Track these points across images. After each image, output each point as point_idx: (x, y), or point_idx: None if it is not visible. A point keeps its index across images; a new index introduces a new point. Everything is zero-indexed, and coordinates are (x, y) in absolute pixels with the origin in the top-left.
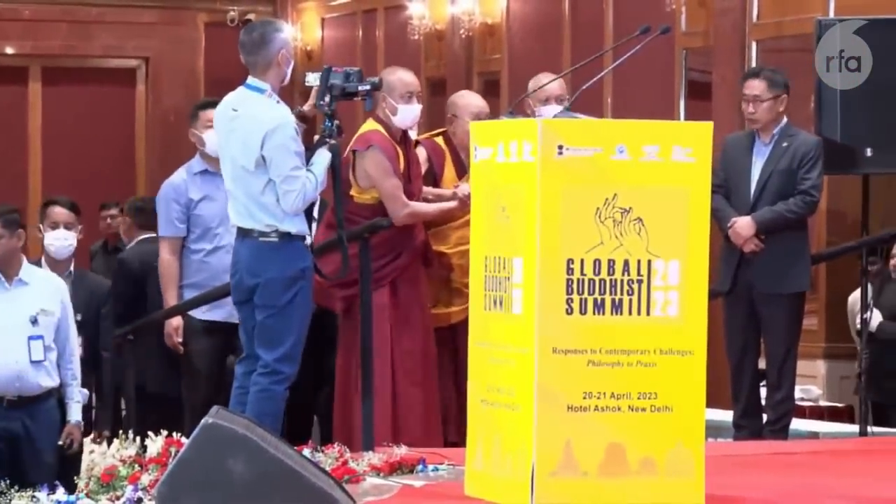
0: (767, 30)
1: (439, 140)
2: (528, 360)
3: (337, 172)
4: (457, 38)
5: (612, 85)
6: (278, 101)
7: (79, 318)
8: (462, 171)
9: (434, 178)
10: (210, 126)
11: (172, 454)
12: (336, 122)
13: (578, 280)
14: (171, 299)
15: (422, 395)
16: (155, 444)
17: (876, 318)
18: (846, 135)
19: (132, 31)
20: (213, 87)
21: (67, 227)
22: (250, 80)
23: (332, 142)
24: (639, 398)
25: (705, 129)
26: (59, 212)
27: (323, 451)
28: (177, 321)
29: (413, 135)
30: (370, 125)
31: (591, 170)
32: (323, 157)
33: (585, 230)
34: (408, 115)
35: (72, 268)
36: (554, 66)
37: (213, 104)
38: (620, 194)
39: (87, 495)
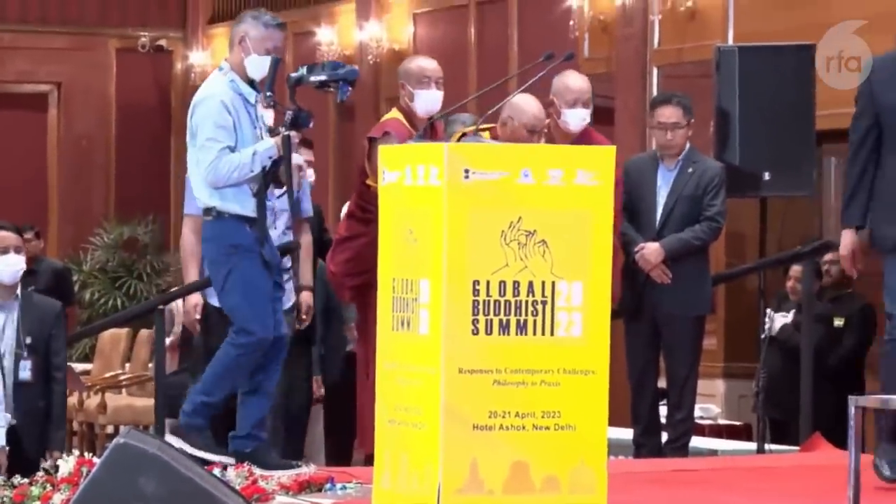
0: (668, 56)
1: (485, 135)
2: (435, 379)
3: (289, 164)
4: (365, 63)
5: None
6: (232, 81)
7: (28, 340)
8: None
9: None
10: None
11: (84, 473)
12: (290, 112)
13: (484, 301)
14: (190, 277)
15: None
16: (67, 463)
17: (779, 320)
18: (745, 159)
19: (44, 56)
20: (124, 112)
21: (17, 250)
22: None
23: (285, 133)
24: (543, 417)
25: (608, 153)
26: (5, 236)
27: (233, 470)
28: (196, 298)
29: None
30: (391, 114)
31: (496, 193)
32: (261, 144)
33: (491, 252)
34: (426, 101)
35: (18, 291)
36: (460, 92)
37: None
38: (525, 217)
39: None
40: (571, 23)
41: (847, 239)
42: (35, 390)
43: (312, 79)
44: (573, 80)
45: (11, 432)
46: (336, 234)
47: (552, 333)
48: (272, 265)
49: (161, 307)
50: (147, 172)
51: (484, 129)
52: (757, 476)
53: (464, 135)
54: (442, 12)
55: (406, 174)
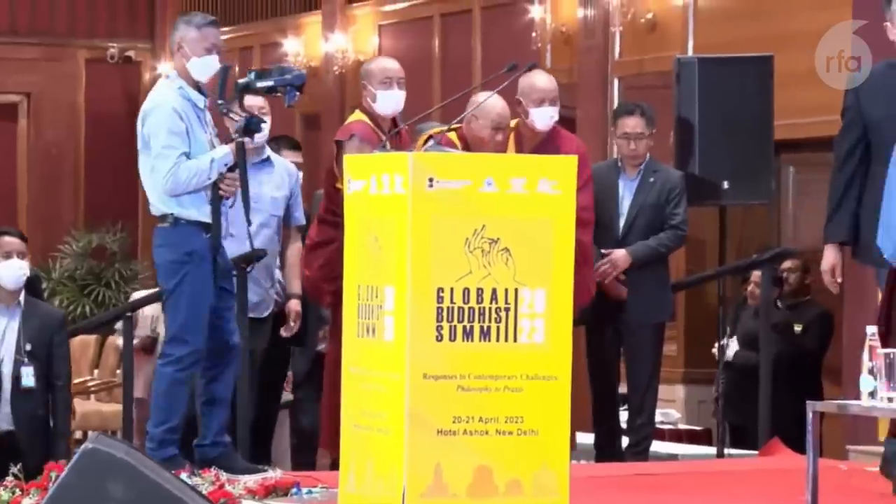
0: (629, 67)
1: (452, 136)
2: (400, 385)
3: (243, 171)
4: (331, 74)
5: None
6: (180, 87)
7: (28, 347)
8: None
9: None
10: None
11: (53, 478)
12: (239, 118)
13: (448, 308)
14: None
15: None
16: None
17: (732, 346)
18: (704, 168)
19: (14, 66)
20: (93, 122)
21: (20, 255)
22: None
23: (239, 139)
24: (506, 422)
25: (570, 162)
26: (10, 241)
27: (200, 475)
28: None
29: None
30: (355, 116)
31: (460, 202)
32: (217, 151)
33: (455, 260)
34: (388, 101)
35: (21, 297)
36: (424, 102)
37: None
38: (488, 225)
39: None
40: (534, 34)
41: (829, 254)
42: (36, 397)
43: (260, 84)
44: (539, 80)
45: (9, 438)
46: (308, 239)
47: (515, 340)
48: (223, 272)
49: (129, 314)
50: (115, 181)
51: (450, 130)
52: (716, 480)
53: (430, 137)
54: (407, 24)
55: (371, 183)
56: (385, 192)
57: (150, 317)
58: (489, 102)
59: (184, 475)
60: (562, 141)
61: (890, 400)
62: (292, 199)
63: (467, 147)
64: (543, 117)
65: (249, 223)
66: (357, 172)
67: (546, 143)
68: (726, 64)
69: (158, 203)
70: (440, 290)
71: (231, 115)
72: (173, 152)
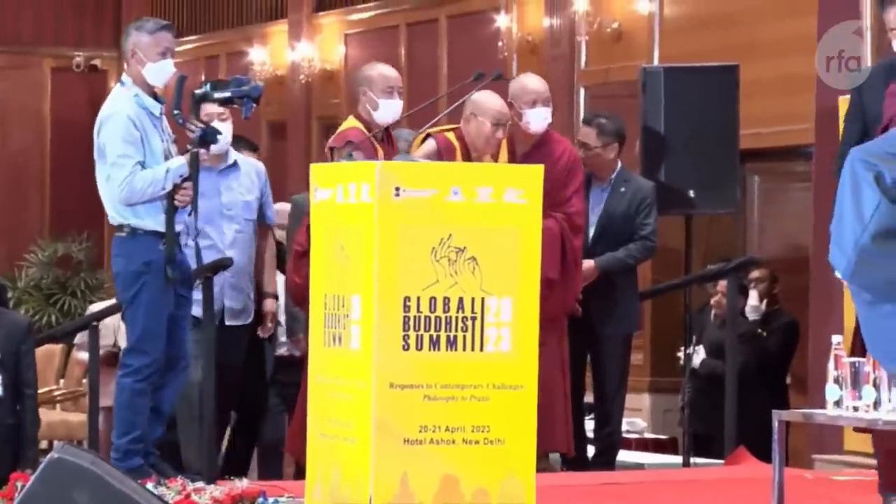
0: (595, 76)
1: (450, 136)
2: (366, 394)
3: (195, 182)
4: (297, 83)
5: None
6: (136, 95)
7: None
8: None
9: None
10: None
11: (19, 488)
12: (195, 129)
13: (415, 317)
14: None
15: None
16: None
17: (699, 355)
18: (670, 177)
19: None
20: (59, 130)
21: None
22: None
23: (193, 150)
24: (472, 431)
25: (537, 171)
26: None
27: (166, 485)
28: None
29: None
30: (350, 122)
31: (426, 211)
32: (172, 161)
33: (422, 269)
34: (389, 110)
35: None
36: None
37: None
38: (455, 234)
39: None
40: (500, 43)
41: None
42: (4, 406)
43: (217, 95)
44: (530, 81)
45: None
46: (297, 245)
47: (482, 349)
48: (181, 281)
49: (95, 324)
50: (81, 190)
51: (448, 130)
52: (683, 489)
53: (428, 136)
54: (373, 33)
55: (338, 192)
56: (352, 200)
57: (111, 326)
58: (488, 100)
59: (150, 485)
60: (554, 144)
61: (855, 409)
62: (263, 198)
63: (466, 147)
64: (538, 118)
65: (197, 233)
66: (324, 181)
67: (539, 146)
68: (692, 73)
69: (114, 213)
70: (407, 299)
71: (188, 125)
72: (128, 161)
